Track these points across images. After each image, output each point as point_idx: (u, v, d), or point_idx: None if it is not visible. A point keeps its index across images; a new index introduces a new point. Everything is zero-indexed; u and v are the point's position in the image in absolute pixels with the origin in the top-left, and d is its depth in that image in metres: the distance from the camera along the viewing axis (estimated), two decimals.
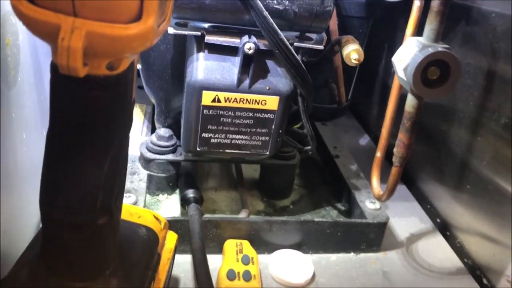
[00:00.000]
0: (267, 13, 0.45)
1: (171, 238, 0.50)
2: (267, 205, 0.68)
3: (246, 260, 0.55)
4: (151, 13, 0.27)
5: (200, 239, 0.52)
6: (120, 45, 0.27)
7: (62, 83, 0.29)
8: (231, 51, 0.51)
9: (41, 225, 0.36)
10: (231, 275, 0.53)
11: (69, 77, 0.28)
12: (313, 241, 0.61)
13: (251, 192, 0.69)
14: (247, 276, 0.53)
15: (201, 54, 0.51)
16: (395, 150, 0.50)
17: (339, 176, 0.71)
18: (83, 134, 0.31)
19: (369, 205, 0.63)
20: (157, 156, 0.62)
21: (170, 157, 0.62)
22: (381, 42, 0.88)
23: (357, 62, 0.51)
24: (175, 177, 0.65)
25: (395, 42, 0.85)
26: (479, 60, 0.63)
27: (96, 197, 0.32)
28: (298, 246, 0.61)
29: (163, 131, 0.63)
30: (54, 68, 0.29)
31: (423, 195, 0.76)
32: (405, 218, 0.71)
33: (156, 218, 0.47)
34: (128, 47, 0.28)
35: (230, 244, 0.57)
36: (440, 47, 0.44)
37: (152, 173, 0.63)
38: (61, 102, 0.30)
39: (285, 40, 0.47)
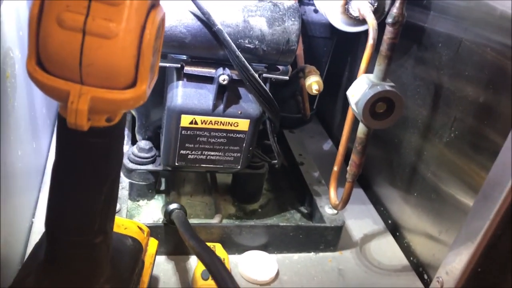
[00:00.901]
0: (239, 53, 0.52)
1: (153, 244, 0.57)
2: (238, 209, 0.75)
3: None
4: (144, 81, 0.34)
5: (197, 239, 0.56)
6: (118, 106, 0.34)
7: (68, 132, 0.35)
8: (207, 79, 0.58)
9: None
10: (205, 275, 0.60)
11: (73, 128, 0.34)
12: (278, 242, 0.69)
13: (224, 196, 0.77)
14: None
15: (180, 82, 0.57)
16: (348, 168, 0.58)
17: (303, 182, 0.79)
18: (85, 171, 0.37)
19: (328, 210, 0.71)
20: (138, 167, 0.68)
21: (150, 167, 0.69)
22: (344, 56, 0.95)
23: (317, 92, 0.59)
24: (154, 185, 0.72)
25: (356, 56, 0.93)
26: (428, 82, 0.71)
27: (94, 221, 0.39)
28: (265, 247, 0.69)
29: (143, 143, 0.69)
30: (61, 119, 0.35)
31: (377, 198, 0.85)
32: (360, 220, 0.79)
33: (140, 228, 0.54)
34: (124, 106, 0.34)
35: None
36: (387, 85, 0.51)
37: (133, 182, 0.69)
38: (66, 145, 0.37)
39: (255, 75, 0.54)
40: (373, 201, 0.85)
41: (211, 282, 0.59)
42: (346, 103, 0.99)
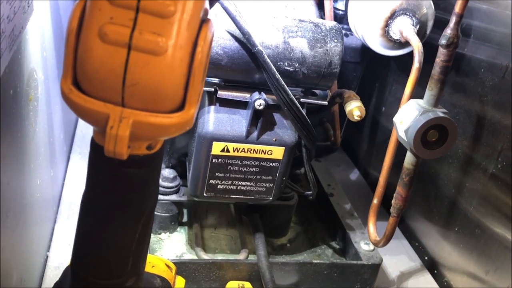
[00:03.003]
0: (279, 75, 0.48)
1: (180, 283, 0.52)
2: (265, 243, 0.70)
3: None
4: (193, 104, 0.30)
5: None
6: (163, 132, 0.30)
7: (103, 161, 0.31)
8: (240, 104, 0.54)
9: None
10: None
11: (110, 157, 0.30)
12: (310, 281, 0.63)
13: (249, 229, 0.72)
14: None
15: (212, 107, 0.54)
16: (393, 201, 0.54)
17: (334, 215, 0.74)
18: (119, 206, 0.33)
19: (363, 246, 0.66)
20: (162, 197, 0.64)
21: (174, 197, 0.64)
22: (372, 82, 0.92)
23: (359, 119, 0.54)
24: (177, 216, 0.67)
25: (386, 82, 0.90)
26: (469, 108, 0.67)
27: (127, 262, 0.35)
28: (296, 286, 0.63)
29: (167, 172, 0.65)
30: (95, 146, 0.31)
31: (412, 233, 0.79)
32: (395, 256, 0.74)
33: (168, 266, 0.49)
34: (170, 132, 0.30)
35: (232, 286, 0.59)
36: (440, 111, 0.47)
37: (156, 213, 0.65)
38: (100, 176, 0.32)
39: (294, 99, 0.50)
40: (407, 236, 0.79)
41: None
42: (373, 131, 0.95)
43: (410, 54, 0.58)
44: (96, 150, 0.31)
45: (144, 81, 0.28)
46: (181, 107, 0.30)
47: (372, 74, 0.89)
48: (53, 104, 0.60)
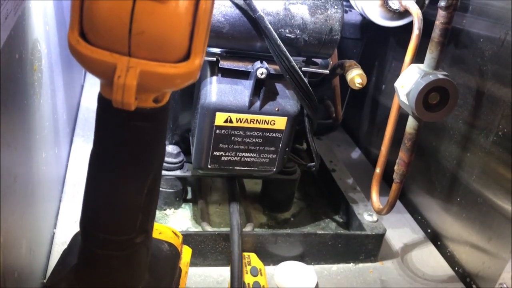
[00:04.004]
0: (280, 42, 0.48)
1: (186, 252, 0.52)
2: (269, 218, 0.71)
3: (254, 272, 0.58)
4: (198, 54, 0.30)
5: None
6: (170, 82, 0.30)
7: (110, 115, 0.32)
8: (242, 74, 0.54)
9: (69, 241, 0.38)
10: (243, 287, 0.55)
11: (118, 110, 0.30)
12: (315, 252, 0.64)
13: (253, 205, 0.72)
14: (257, 287, 0.56)
15: (214, 78, 0.54)
16: (396, 167, 0.54)
17: (337, 189, 0.75)
18: (127, 161, 0.33)
19: (367, 217, 0.67)
20: (166, 173, 0.64)
21: (178, 173, 0.65)
22: (372, 60, 0.92)
23: (360, 86, 0.55)
24: (182, 192, 0.68)
25: (385, 60, 0.90)
26: (468, 81, 0.67)
27: (136, 218, 0.35)
28: (301, 258, 0.64)
29: (171, 148, 0.65)
30: (102, 100, 0.32)
31: (414, 207, 0.80)
32: (399, 229, 0.75)
33: (175, 234, 0.49)
34: (177, 83, 0.31)
35: None
36: (440, 74, 0.48)
37: (160, 189, 0.65)
38: (108, 131, 0.33)
39: (296, 66, 0.50)
40: (409, 210, 0.80)
41: None
42: (373, 109, 0.96)
43: (409, 31, 0.58)
44: (104, 105, 0.32)
45: (150, 29, 0.28)
46: (186, 57, 0.30)
47: (372, 52, 0.90)
48: (56, 82, 0.61)
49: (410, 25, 0.64)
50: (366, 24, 0.78)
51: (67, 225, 0.63)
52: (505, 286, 0.48)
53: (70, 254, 0.43)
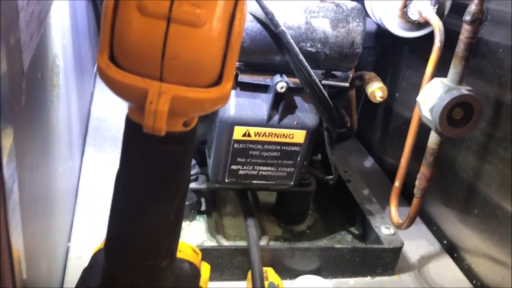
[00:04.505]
0: (302, 56, 0.48)
1: (205, 269, 0.52)
2: (284, 230, 0.70)
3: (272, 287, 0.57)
4: (230, 78, 0.29)
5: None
6: (201, 107, 0.30)
7: (139, 139, 0.31)
8: (261, 88, 0.54)
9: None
10: None
11: (148, 134, 0.30)
12: (332, 266, 0.63)
13: (267, 217, 0.71)
14: None
15: (233, 92, 0.53)
16: (417, 182, 0.53)
17: (352, 200, 0.74)
18: (155, 184, 0.33)
19: (384, 230, 0.66)
20: None
21: (193, 185, 0.64)
22: (386, 68, 0.91)
23: (381, 100, 0.54)
24: (196, 204, 0.67)
25: (399, 68, 0.89)
26: (486, 91, 0.66)
27: (163, 242, 0.34)
28: (318, 272, 0.63)
29: None
30: (131, 124, 0.31)
31: (430, 218, 0.79)
32: (415, 241, 0.74)
33: (194, 251, 0.48)
34: (208, 107, 0.30)
35: None
36: (464, 89, 0.47)
37: None
38: (136, 155, 0.32)
39: (317, 80, 0.50)
40: (425, 221, 0.79)
41: None
42: (387, 118, 0.95)
43: (423, 40, 0.57)
44: (132, 128, 0.31)
45: (184, 54, 0.27)
46: (217, 81, 0.29)
47: (385, 60, 0.89)
48: (71, 94, 0.60)
49: (425, 34, 0.64)
50: (380, 32, 0.77)
51: (82, 238, 0.62)
52: None
53: (90, 273, 0.42)
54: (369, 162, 0.94)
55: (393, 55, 0.88)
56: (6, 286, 0.32)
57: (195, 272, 0.46)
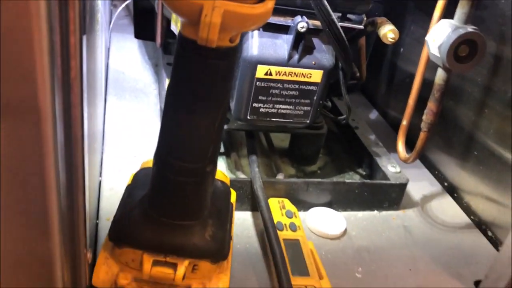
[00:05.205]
0: None
1: (232, 194, 0.57)
2: (297, 170, 0.75)
3: (289, 214, 0.63)
4: None
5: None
6: (248, 22, 0.34)
7: (191, 53, 0.36)
8: (282, 29, 0.58)
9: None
10: (280, 227, 0.60)
11: (199, 48, 0.34)
12: (342, 199, 0.69)
13: (282, 159, 0.77)
14: (293, 227, 0.61)
15: (256, 32, 0.57)
16: (424, 117, 0.58)
17: (360, 144, 0.79)
18: (203, 96, 0.37)
19: (391, 168, 0.72)
20: None
21: None
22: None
23: (393, 41, 0.59)
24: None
25: (404, 24, 0.93)
26: (487, 42, 0.70)
27: (208, 149, 0.39)
28: (329, 204, 0.69)
29: None
30: (184, 40, 0.35)
31: (431, 163, 0.84)
32: (418, 182, 0.79)
33: (224, 175, 0.54)
34: (253, 23, 0.35)
35: (273, 202, 0.65)
36: (470, 27, 0.51)
37: None
38: (187, 69, 0.37)
39: (335, 20, 0.54)
40: (426, 166, 0.85)
41: (286, 232, 0.60)
42: (391, 72, 0.99)
43: None
44: (184, 44, 0.36)
45: None
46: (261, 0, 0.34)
47: (392, 16, 0.92)
48: (99, 42, 0.64)
49: None
50: None
51: (111, 173, 0.68)
52: None
53: (134, 189, 0.47)
54: (373, 115, 0.99)
55: (399, 11, 0.92)
56: (80, 217, 0.35)
57: (227, 189, 0.51)
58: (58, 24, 0.26)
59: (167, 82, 0.82)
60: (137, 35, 1.03)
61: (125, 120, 0.80)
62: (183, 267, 0.42)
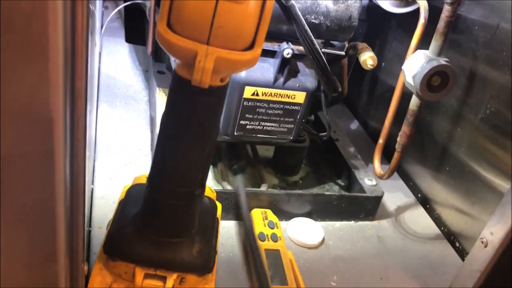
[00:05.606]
0: (307, 27, 0.56)
1: (218, 206, 0.61)
2: (280, 180, 0.80)
3: (271, 225, 0.67)
4: (260, 44, 0.38)
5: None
6: (237, 66, 0.38)
7: (185, 91, 0.39)
8: (269, 53, 0.62)
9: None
10: (262, 237, 0.64)
11: (193, 86, 0.38)
12: (322, 210, 0.73)
13: (266, 169, 0.81)
14: (275, 238, 0.65)
15: None
16: (398, 139, 0.63)
17: (340, 157, 0.83)
18: (195, 127, 0.41)
19: (367, 181, 0.76)
20: None
21: None
22: (374, 39, 1.00)
23: (372, 67, 0.63)
24: None
25: (386, 40, 0.98)
26: (462, 63, 0.75)
27: (198, 175, 0.43)
28: (309, 215, 0.73)
29: None
30: (179, 79, 0.39)
31: (407, 175, 0.89)
32: (393, 193, 0.84)
33: (211, 190, 0.58)
34: (242, 66, 0.38)
35: (257, 213, 0.69)
36: (443, 60, 0.56)
37: None
38: (181, 103, 0.40)
39: (319, 49, 0.58)
40: (402, 178, 0.89)
41: (267, 243, 0.64)
42: (373, 85, 1.04)
43: (409, 15, 0.64)
44: (179, 81, 0.39)
45: (228, 24, 0.35)
46: (250, 47, 0.38)
47: (375, 32, 0.97)
48: (94, 46, 0.67)
49: (411, 10, 0.72)
50: (372, 7, 0.85)
51: (103, 181, 0.71)
52: (484, 239, 0.58)
53: (127, 205, 0.51)
54: (354, 125, 1.04)
55: (382, 28, 0.97)
56: (79, 233, 0.39)
57: (214, 205, 0.55)
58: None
59: (157, 90, 0.85)
60: (128, 39, 1.06)
61: (116, 127, 0.83)
62: (171, 280, 0.45)
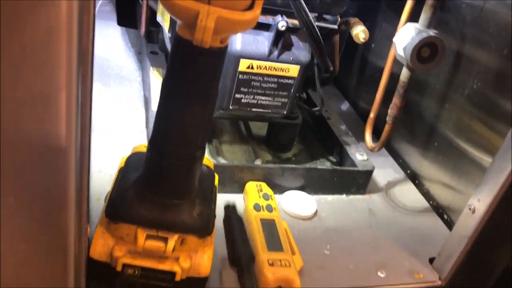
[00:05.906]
0: None
1: (216, 177, 0.62)
2: (273, 156, 0.81)
3: (266, 197, 0.69)
4: (259, 5, 0.39)
5: None
6: (237, 26, 0.39)
7: (187, 52, 0.40)
8: (263, 27, 0.63)
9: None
10: (257, 208, 0.66)
11: (194, 47, 0.39)
12: (314, 184, 0.75)
13: (259, 146, 0.82)
14: (270, 208, 0.66)
15: None
16: (389, 111, 0.65)
17: (332, 134, 0.85)
18: (195, 89, 0.42)
19: (358, 156, 0.78)
20: None
21: None
22: (363, 21, 1.01)
23: (364, 41, 0.64)
24: None
25: (376, 21, 0.99)
26: (449, 42, 0.77)
27: (199, 136, 0.45)
28: (303, 188, 0.75)
29: None
30: (180, 40, 0.40)
31: (396, 152, 0.92)
32: (383, 169, 0.86)
33: (208, 160, 0.59)
34: (241, 28, 0.40)
35: (251, 185, 0.70)
36: (432, 32, 0.58)
37: None
38: (182, 64, 0.42)
39: (313, 21, 0.59)
40: (392, 155, 0.92)
41: (263, 213, 0.65)
42: (362, 66, 1.06)
43: None
44: (180, 43, 0.40)
45: None
46: (250, 7, 0.39)
47: (364, 13, 0.99)
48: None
49: None
50: None
51: (99, 155, 0.72)
52: (472, 206, 0.60)
53: (127, 171, 0.52)
54: (345, 106, 1.06)
55: (371, 9, 0.98)
56: (84, 196, 0.40)
57: (211, 173, 0.56)
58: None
59: (151, 70, 0.86)
60: (120, 23, 1.06)
61: (111, 106, 0.84)
62: (173, 241, 0.47)
